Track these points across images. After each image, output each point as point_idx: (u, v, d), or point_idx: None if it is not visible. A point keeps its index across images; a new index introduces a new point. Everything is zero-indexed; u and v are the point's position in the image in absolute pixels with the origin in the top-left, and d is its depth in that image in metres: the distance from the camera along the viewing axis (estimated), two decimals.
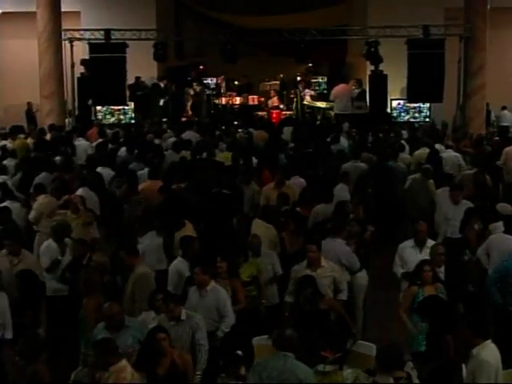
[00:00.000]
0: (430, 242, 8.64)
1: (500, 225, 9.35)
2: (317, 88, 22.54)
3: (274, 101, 21.96)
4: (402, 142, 14.94)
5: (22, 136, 16.37)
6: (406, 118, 19.97)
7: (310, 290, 7.28)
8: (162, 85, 21.37)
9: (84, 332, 7.16)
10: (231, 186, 11.35)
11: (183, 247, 8.43)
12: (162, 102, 21.08)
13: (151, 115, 20.35)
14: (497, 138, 16.83)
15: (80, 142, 15.39)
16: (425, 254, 8.28)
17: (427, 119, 19.67)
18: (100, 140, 15.54)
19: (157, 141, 15.79)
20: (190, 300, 7.37)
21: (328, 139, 15.33)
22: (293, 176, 11.98)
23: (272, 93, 22.13)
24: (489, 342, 6.00)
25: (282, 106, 21.95)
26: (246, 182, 11.62)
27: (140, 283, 7.65)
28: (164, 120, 19.97)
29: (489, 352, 5.96)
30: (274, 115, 21.27)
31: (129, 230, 9.89)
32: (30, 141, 15.75)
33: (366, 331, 8.89)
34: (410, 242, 8.65)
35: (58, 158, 13.73)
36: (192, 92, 21.66)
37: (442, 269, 7.99)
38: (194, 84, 21.72)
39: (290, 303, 8.05)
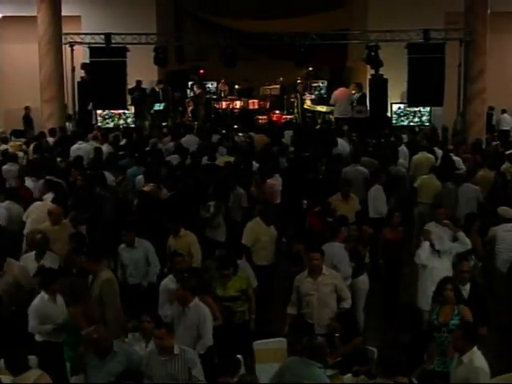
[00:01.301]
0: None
1: (500, 228, 9.39)
2: (317, 92, 22.53)
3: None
4: (402, 147, 14.92)
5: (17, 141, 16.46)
6: (406, 122, 19.92)
7: None
8: (157, 89, 21.32)
9: (72, 337, 7.22)
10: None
11: (169, 262, 8.43)
12: (157, 107, 21.07)
13: (142, 118, 20.39)
14: (497, 142, 16.89)
15: (83, 145, 15.45)
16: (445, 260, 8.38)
17: (427, 123, 19.63)
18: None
19: (159, 145, 15.85)
20: (173, 316, 7.24)
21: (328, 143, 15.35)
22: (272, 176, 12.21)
23: (264, 103, 22.16)
24: (476, 348, 6.12)
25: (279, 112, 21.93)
26: (231, 187, 11.55)
27: (107, 288, 7.74)
28: (164, 124, 19.97)
29: (480, 359, 6.09)
30: (275, 119, 21.29)
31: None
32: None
33: (367, 334, 8.91)
34: (428, 251, 8.62)
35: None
36: (192, 94, 21.64)
37: (467, 286, 7.70)
38: (195, 87, 21.72)
39: (293, 315, 8.04)
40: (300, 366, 6.02)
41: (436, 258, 8.50)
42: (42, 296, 7.65)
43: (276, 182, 12.38)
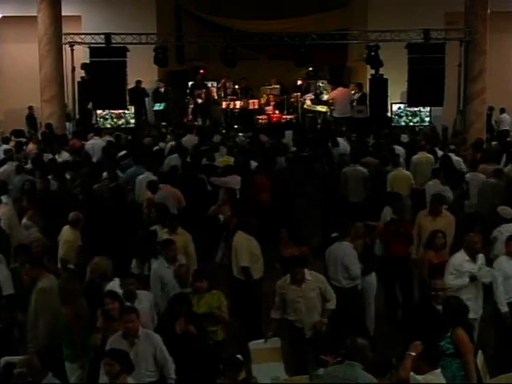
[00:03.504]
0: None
1: (503, 228, 9.32)
2: (317, 92, 22.50)
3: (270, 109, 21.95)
4: (396, 146, 14.94)
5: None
6: (406, 122, 19.88)
7: None
8: (161, 89, 21.27)
9: (66, 337, 7.27)
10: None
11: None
12: (157, 107, 21.06)
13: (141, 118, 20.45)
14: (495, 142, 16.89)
15: (96, 141, 15.90)
16: (480, 263, 8.19)
17: (427, 123, 19.59)
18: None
19: (161, 144, 15.90)
20: None
21: (328, 143, 15.36)
22: (230, 174, 12.24)
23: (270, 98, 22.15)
24: (438, 371, 5.95)
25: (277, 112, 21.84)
26: None
27: (41, 298, 7.56)
28: (163, 124, 19.95)
29: (440, 379, 5.93)
30: (275, 119, 21.27)
31: None
32: (32, 146, 15.79)
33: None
34: (462, 255, 8.21)
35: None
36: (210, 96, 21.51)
37: None
38: (205, 89, 21.61)
39: (276, 319, 7.95)
40: (345, 370, 5.90)
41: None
42: None
43: (230, 179, 12.24)
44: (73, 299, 7.41)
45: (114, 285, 7.70)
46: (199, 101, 21.17)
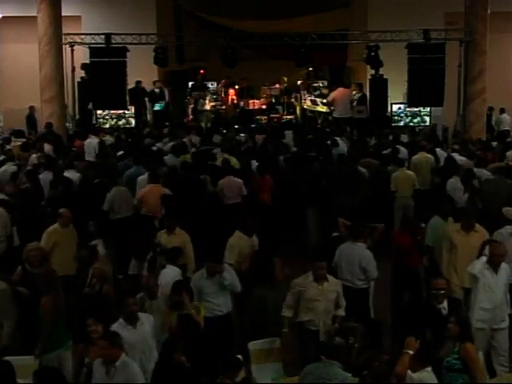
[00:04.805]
0: None
1: (504, 231, 9.27)
2: (317, 92, 22.50)
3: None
4: (397, 146, 14.92)
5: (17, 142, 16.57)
6: (406, 122, 19.87)
7: None
8: (156, 90, 21.26)
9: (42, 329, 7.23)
10: None
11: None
12: (157, 107, 21.06)
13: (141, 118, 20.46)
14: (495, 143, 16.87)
15: (92, 140, 15.90)
16: (503, 275, 7.81)
17: (427, 124, 19.58)
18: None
19: (159, 144, 15.89)
20: (95, 380, 6.21)
21: (328, 143, 15.35)
22: (228, 175, 12.24)
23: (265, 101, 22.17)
24: (429, 368, 5.91)
25: (264, 107, 21.79)
26: None
27: (3, 300, 7.48)
28: (166, 124, 19.94)
29: (431, 377, 5.91)
30: (275, 119, 21.26)
31: None
32: (47, 147, 15.76)
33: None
34: (483, 262, 7.80)
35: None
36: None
37: (445, 304, 7.29)
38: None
39: (288, 318, 7.82)
40: (322, 368, 5.94)
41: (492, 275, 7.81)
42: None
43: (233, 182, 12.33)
44: (53, 289, 7.36)
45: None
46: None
